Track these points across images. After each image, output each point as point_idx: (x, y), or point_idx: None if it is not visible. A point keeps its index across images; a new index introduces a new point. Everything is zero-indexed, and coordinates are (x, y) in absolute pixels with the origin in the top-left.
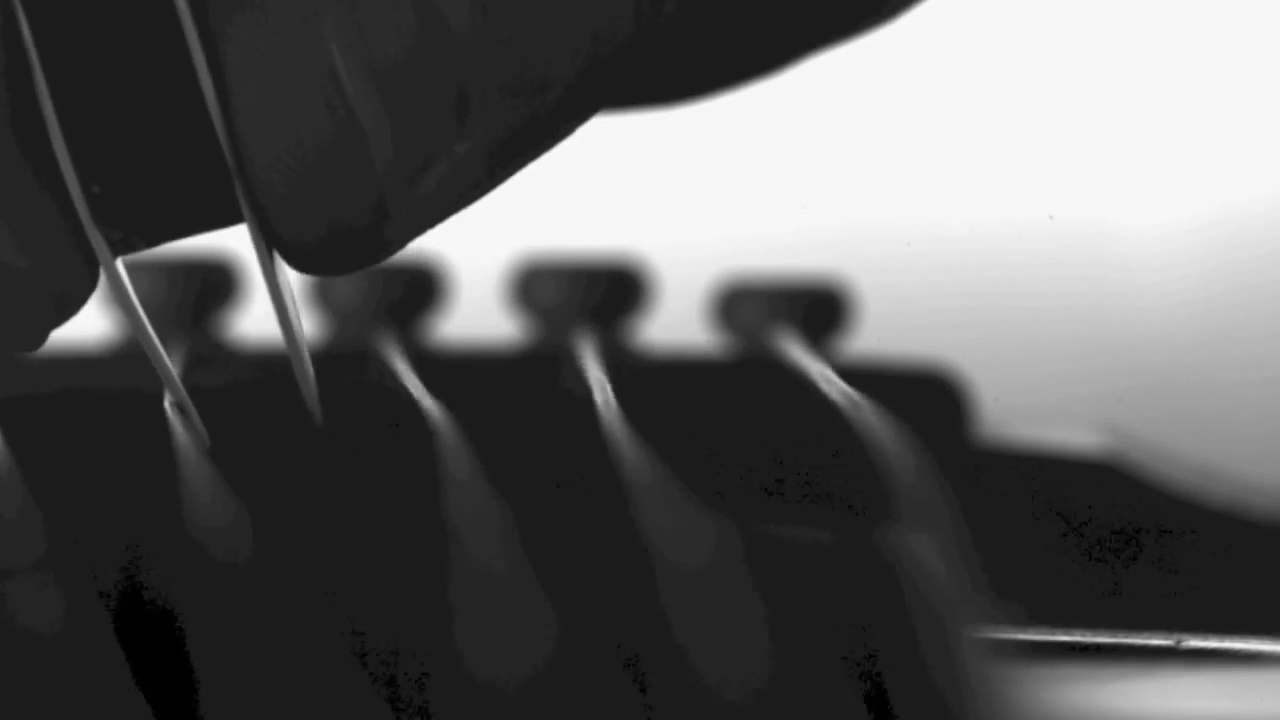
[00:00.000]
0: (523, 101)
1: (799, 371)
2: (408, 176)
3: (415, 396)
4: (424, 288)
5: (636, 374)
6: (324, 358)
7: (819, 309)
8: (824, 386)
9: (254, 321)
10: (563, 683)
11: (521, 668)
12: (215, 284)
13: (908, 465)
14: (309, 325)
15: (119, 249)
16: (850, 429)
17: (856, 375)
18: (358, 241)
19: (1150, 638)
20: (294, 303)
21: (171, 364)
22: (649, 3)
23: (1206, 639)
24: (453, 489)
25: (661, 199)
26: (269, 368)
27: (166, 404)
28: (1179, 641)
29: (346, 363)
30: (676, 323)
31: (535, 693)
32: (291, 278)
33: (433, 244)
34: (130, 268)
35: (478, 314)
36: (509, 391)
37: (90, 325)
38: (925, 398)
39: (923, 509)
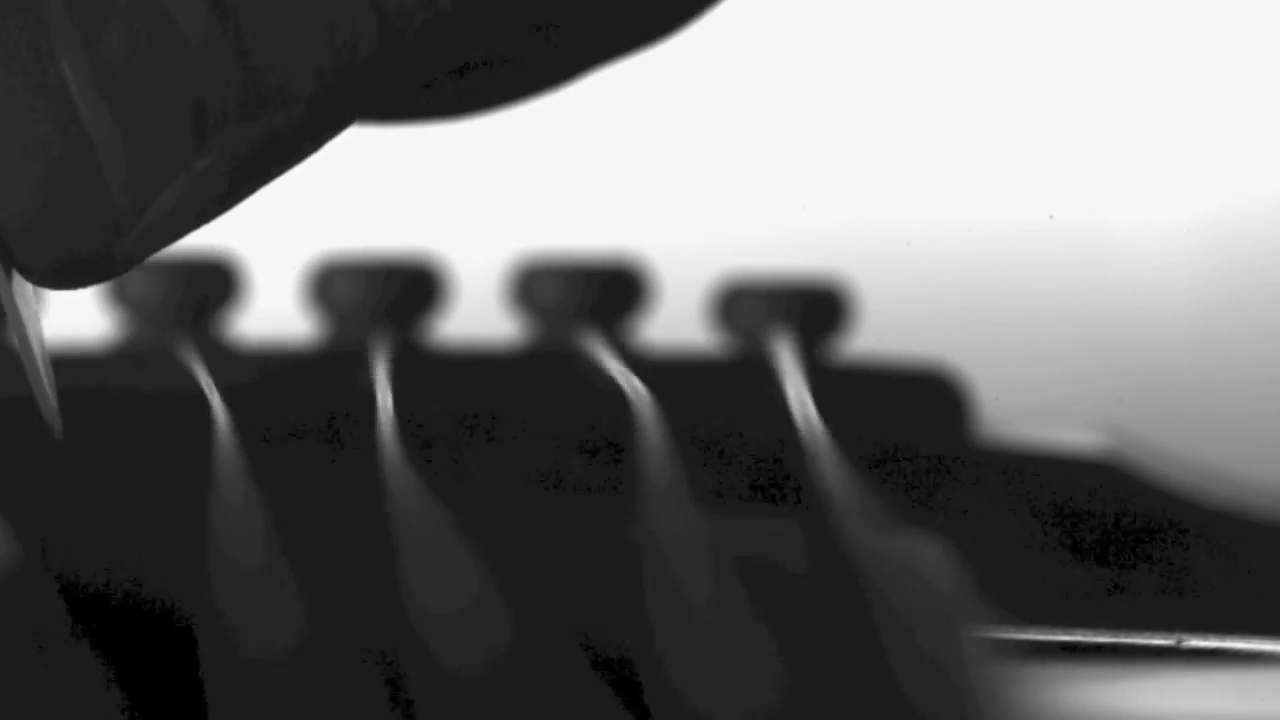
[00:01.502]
0: (265, 117)
1: (778, 376)
2: (142, 194)
3: (377, 398)
4: (424, 287)
5: (636, 372)
6: (324, 357)
7: (819, 309)
8: (790, 395)
9: (254, 321)
10: (526, 673)
11: (483, 657)
12: (215, 284)
13: (859, 484)
14: (309, 324)
15: None
16: (803, 443)
17: (857, 375)
18: (90, 258)
19: (1151, 638)
20: (34, 315)
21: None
22: (395, 17)
23: (1207, 639)
24: (393, 491)
25: (661, 199)
26: (269, 368)
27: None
28: (1180, 641)
29: (345, 362)
30: (676, 322)
31: (501, 682)
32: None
33: (432, 243)
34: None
35: (477, 313)
36: (525, 388)
37: (90, 325)
38: (925, 398)
39: (884, 520)
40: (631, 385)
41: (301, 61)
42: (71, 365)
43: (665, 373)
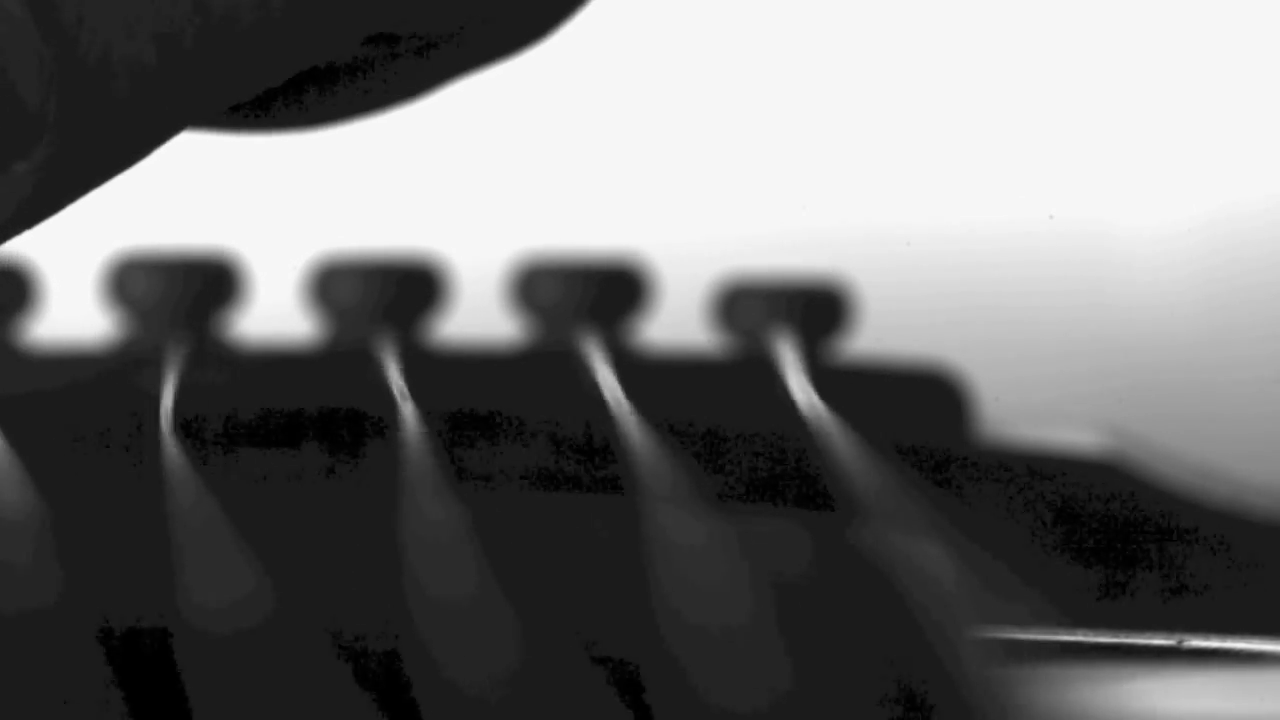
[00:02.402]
0: (86, 115)
1: (780, 375)
2: None
3: (396, 399)
4: (424, 287)
5: (636, 372)
6: (323, 356)
7: (819, 309)
8: (796, 394)
9: (255, 320)
10: (537, 686)
11: (493, 671)
12: (215, 283)
13: (871, 473)
14: (309, 324)
15: None
16: (811, 437)
17: (857, 375)
18: None
19: (1152, 638)
20: None
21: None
22: (221, 16)
23: (1208, 639)
24: (411, 496)
25: (662, 199)
26: (270, 367)
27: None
28: (1181, 641)
29: (345, 361)
30: (676, 322)
31: (511, 696)
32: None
33: (433, 243)
34: (130, 265)
35: (477, 313)
36: (525, 388)
37: (90, 325)
38: (926, 398)
39: (896, 514)
40: (614, 395)
41: (123, 59)
42: (71, 365)
43: (665, 373)
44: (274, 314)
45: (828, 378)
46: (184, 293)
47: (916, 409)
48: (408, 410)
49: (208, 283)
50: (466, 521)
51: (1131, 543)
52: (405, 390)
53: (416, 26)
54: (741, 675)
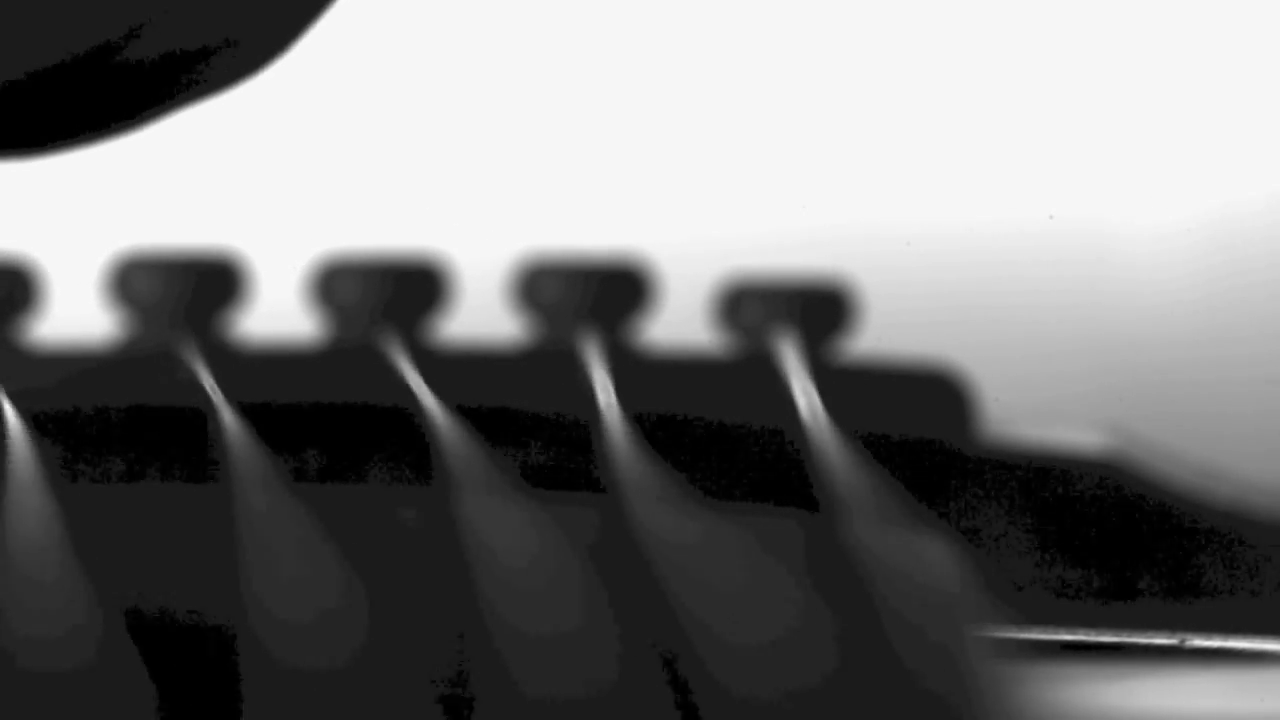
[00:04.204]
0: None
1: (782, 375)
2: None
3: (418, 395)
4: (427, 286)
5: (637, 371)
6: (326, 355)
7: (822, 308)
8: (795, 392)
9: (258, 319)
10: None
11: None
12: (218, 282)
13: (869, 473)
14: (312, 323)
15: None
16: (810, 436)
17: (859, 374)
18: None
19: (1154, 637)
20: None
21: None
22: None
23: (1210, 638)
24: (465, 489)
25: (663, 198)
26: (270, 368)
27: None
28: (1183, 641)
29: (348, 360)
30: (679, 321)
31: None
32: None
33: (435, 242)
34: (133, 264)
35: (479, 311)
36: (526, 387)
37: (90, 325)
38: (928, 397)
39: (893, 514)
40: (606, 395)
41: None
42: (74, 365)
43: (667, 372)
44: (277, 313)
45: (830, 377)
46: (187, 292)
47: (918, 408)
48: (432, 405)
49: (211, 282)
50: (536, 514)
51: (1133, 542)
52: (425, 388)
53: (148, 47)
54: (771, 657)
